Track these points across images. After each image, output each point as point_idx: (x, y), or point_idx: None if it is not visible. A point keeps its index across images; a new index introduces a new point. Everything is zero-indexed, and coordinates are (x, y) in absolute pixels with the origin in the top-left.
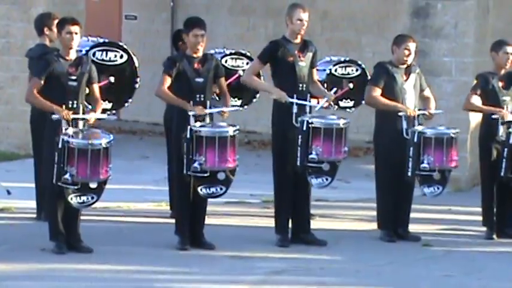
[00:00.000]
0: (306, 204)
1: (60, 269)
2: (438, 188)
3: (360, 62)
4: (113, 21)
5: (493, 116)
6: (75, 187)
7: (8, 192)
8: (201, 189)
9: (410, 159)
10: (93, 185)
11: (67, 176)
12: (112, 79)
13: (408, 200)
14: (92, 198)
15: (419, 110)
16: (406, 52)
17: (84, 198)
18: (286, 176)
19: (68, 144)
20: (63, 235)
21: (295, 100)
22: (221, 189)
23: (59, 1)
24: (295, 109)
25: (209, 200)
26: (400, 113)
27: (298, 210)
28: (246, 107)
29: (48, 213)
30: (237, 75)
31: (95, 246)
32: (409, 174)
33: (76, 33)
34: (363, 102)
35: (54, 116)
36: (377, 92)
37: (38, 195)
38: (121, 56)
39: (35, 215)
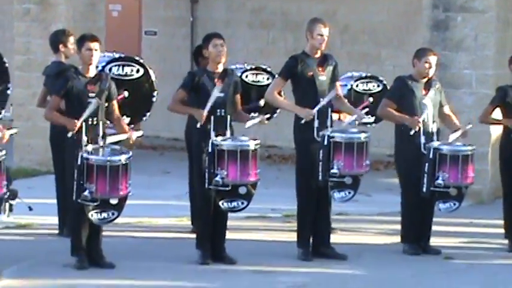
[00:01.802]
0: (326, 218)
1: (82, 285)
2: (454, 204)
3: (381, 78)
4: (132, 37)
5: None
6: (95, 204)
7: (30, 209)
8: (222, 204)
9: (426, 175)
10: (113, 201)
11: (86, 192)
12: (126, 93)
13: (429, 213)
14: (113, 214)
15: (454, 131)
16: (427, 65)
17: (104, 214)
18: (310, 190)
19: (87, 161)
20: (85, 250)
21: (316, 108)
22: (242, 203)
23: (79, 18)
24: (316, 124)
25: (230, 214)
26: (410, 132)
27: (319, 224)
28: (267, 122)
29: (71, 229)
30: (257, 104)
31: (117, 261)
32: (424, 190)
33: (96, 50)
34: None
35: (69, 134)
36: (390, 104)
37: (60, 211)
38: (137, 71)
39: (56, 231)
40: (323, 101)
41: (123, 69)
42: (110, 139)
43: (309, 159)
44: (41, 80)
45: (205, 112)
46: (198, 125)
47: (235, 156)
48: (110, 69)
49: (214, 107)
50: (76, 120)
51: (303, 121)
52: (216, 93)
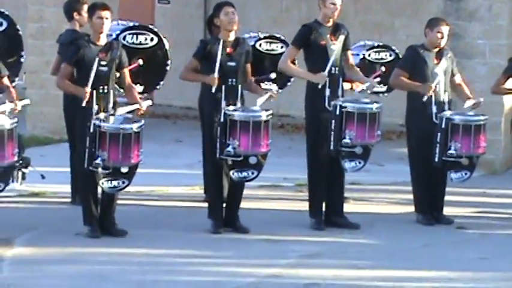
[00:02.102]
0: (340, 188)
1: (94, 253)
2: (466, 174)
3: (393, 47)
4: (146, 6)
5: None
6: (107, 171)
7: (42, 177)
8: (233, 173)
9: (438, 145)
10: (124, 170)
11: (98, 160)
12: (141, 61)
13: (442, 183)
14: (123, 182)
15: (467, 99)
16: (439, 35)
17: (115, 182)
18: (320, 159)
19: (100, 128)
20: (97, 219)
21: (326, 71)
22: (253, 173)
23: None
24: (327, 92)
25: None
26: (424, 98)
27: (332, 194)
28: (280, 90)
29: (82, 198)
30: (269, 76)
31: (129, 230)
32: (436, 160)
33: (107, 18)
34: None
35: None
36: (402, 74)
37: (73, 179)
38: (151, 39)
39: (69, 200)
40: (331, 61)
41: (137, 38)
42: (120, 111)
43: (320, 129)
44: (55, 48)
45: (215, 74)
46: (213, 90)
47: (248, 127)
48: (124, 38)
49: (225, 76)
50: (86, 88)
51: (319, 85)
52: (219, 55)
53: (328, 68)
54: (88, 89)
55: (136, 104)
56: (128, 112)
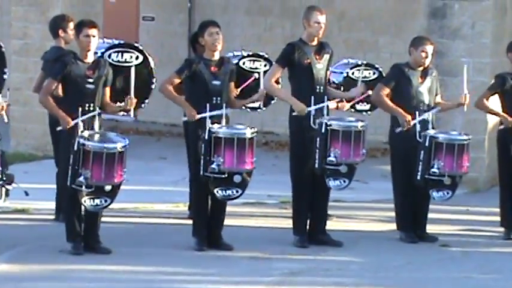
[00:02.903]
0: (323, 206)
1: (78, 270)
2: (448, 193)
3: (377, 66)
4: (130, 23)
5: (500, 127)
6: (89, 190)
7: (26, 194)
8: (217, 192)
9: (421, 163)
10: (107, 188)
11: (81, 178)
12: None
13: (425, 201)
14: (106, 201)
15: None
16: (424, 54)
17: (97, 201)
18: (305, 177)
19: (84, 147)
20: (80, 236)
21: (312, 108)
22: (237, 191)
23: (76, 2)
24: (313, 111)
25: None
26: (397, 129)
27: (316, 211)
28: (264, 108)
29: (65, 215)
30: (252, 79)
31: (113, 247)
32: (418, 178)
33: (94, 36)
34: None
35: (58, 128)
36: (385, 91)
37: (58, 196)
38: (137, 57)
39: (53, 216)
40: (318, 106)
41: (122, 56)
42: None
43: (305, 147)
44: (38, 65)
45: (198, 116)
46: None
47: (232, 144)
48: (109, 56)
49: (210, 94)
50: (70, 120)
51: (294, 113)
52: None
53: (316, 107)
54: (72, 123)
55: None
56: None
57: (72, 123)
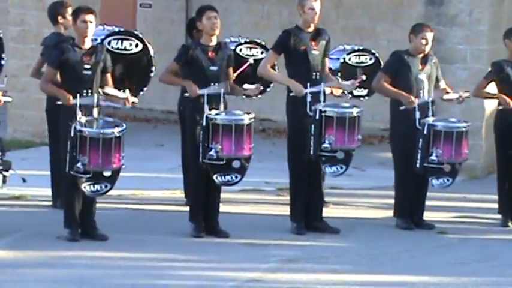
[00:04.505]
0: (319, 192)
1: (75, 257)
2: (448, 180)
3: (373, 51)
4: (127, 9)
5: (499, 107)
6: (88, 176)
7: (23, 180)
8: (216, 177)
9: (420, 150)
10: (106, 174)
11: (79, 164)
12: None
13: (423, 189)
14: (106, 186)
15: (447, 99)
16: (424, 41)
17: (97, 186)
18: (302, 164)
19: (80, 133)
20: (77, 223)
21: (309, 90)
22: (236, 177)
23: None
24: (309, 98)
25: (224, 187)
26: (401, 107)
27: (312, 198)
28: (260, 96)
29: (64, 201)
30: (247, 64)
31: (110, 233)
32: (418, 165)
33: (91, 22)
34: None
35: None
36: (385, 78)
37: (54, 183)
38: (136, 45)
39: (50, 203)
40: (319, 86)
41: (122, 43)
42: (108, 90)
43: (301, 134)
44: (36, 52)
45: (199, 91)
46: (186, 94)
47: (230, 131)
48: (109, 43)
49: (208, 80)
50: (71, 96)
51: (291, 93)
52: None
53: (311, 90)
54: (72, 100)
55: (123, 95)
56: (115, 100)
57: (72, 101)
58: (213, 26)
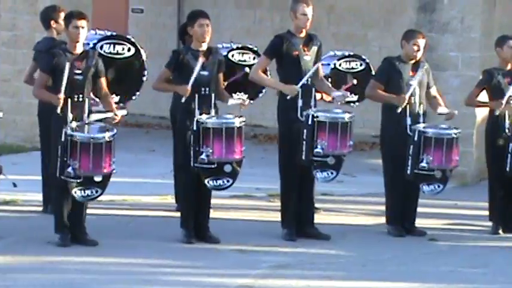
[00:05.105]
0: (310, 198)
1: (65, 262)
2: (439, 187)
3: (364, 57)
4: (119, 15)
5: (496, 113)
6: (78, 180)
7: (14, 185)
8: (208, 182)
9: (410, 157)
10: (97, 179)
11: (69, 169)
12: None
13: (415, 195)
14: (97, 192)
15: (439, 113)
16: (415, 48)
17: (88, 191)
18: (293, 170)
19: (71, 137)
20: (68, 228)
21: (300, 84)
22: (228, 181)
23: None
24: (300, 103)
25: (214, 193)
26: (397, 110)
27: (303, 204)
28: (252, 101)
29: (55, 206)
30: (242, 73)
31: (100, 239)
32: (408, 172)
33: (83, 28)
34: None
35: (57, 110)
36: (378, 86)
37: (44, 187)
38: (128, 49)
39: (41, 208)
40: (306, 76)
41: (114, 48)
42: (95, 116)
43: (293, 139)
44: (27, 56)
45: (189, 86)
46: (183, 100)
47: (221, 134)
48: (101, 47)
49: (198, 85)
50: (59, 94)
51: (288, 97)
52: (199, 67)
53: (303, 81)
54: (61, 95)
55: (111, 112)
56: (102, 119)
57: (61, 98)
58: (204, 33)
